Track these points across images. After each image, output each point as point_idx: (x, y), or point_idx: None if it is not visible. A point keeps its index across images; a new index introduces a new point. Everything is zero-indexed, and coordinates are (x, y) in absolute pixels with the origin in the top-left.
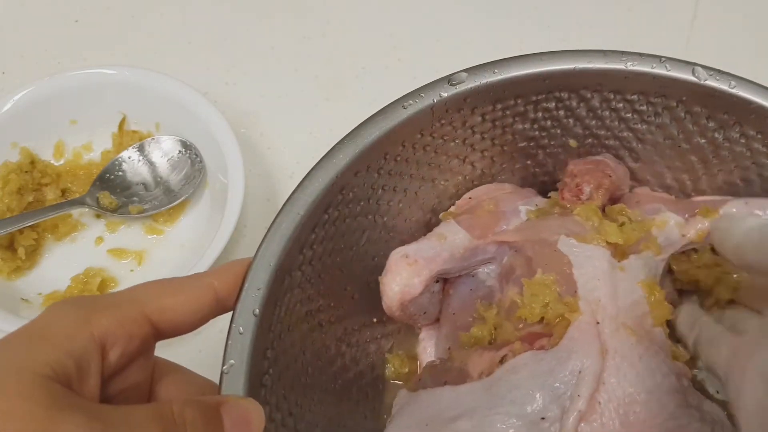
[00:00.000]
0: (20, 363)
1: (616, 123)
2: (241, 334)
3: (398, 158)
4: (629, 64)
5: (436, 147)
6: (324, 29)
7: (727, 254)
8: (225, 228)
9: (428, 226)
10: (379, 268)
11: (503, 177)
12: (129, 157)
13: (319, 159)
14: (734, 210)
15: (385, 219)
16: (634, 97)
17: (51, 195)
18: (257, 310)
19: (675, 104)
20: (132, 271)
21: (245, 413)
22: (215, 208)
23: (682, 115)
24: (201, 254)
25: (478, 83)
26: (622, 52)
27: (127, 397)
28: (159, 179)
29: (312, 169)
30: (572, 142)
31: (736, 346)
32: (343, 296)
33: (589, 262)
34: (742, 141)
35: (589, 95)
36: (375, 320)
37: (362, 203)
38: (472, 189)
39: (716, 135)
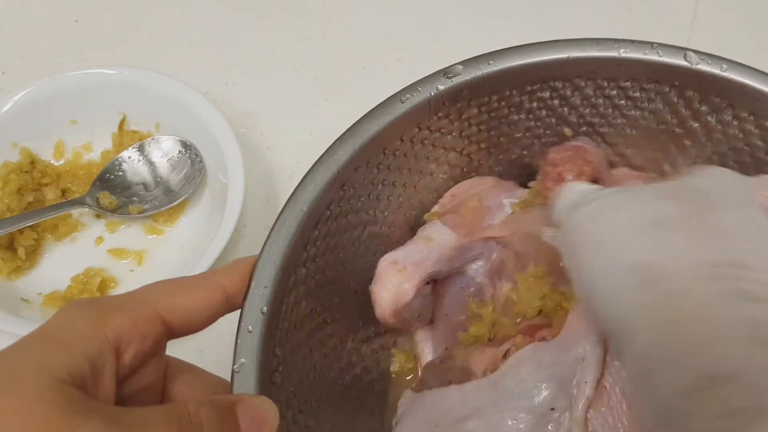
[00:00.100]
0: (37, 367)
1: (610, 110)
2: (250, 332)
3: (397, 152)
4: (622, 51)
5: (434, 140)
6: (324, 29)
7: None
8: (225, 228)
9: None
10: None
11: (500, 168)
12: (129, 157)
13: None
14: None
15: (386, 214)
16: (628, 83)
17: (51, 195)
18: (265, 308)
19: (668, 89)
20: (132, 271)
21: (260, 412)
22: (215, 208)
23: (675, 99)
24: (201, 254)
25: (473, 75)
26: (615, 40)
27: (141, 398)
28: (159, 179)
29: (313, 165)
30: (567, 131)
31: None
32: (346, 292)
33: None
34: (735, 123)
35: (582, 83)
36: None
37: (363, 198)
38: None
39: (709, 118)
